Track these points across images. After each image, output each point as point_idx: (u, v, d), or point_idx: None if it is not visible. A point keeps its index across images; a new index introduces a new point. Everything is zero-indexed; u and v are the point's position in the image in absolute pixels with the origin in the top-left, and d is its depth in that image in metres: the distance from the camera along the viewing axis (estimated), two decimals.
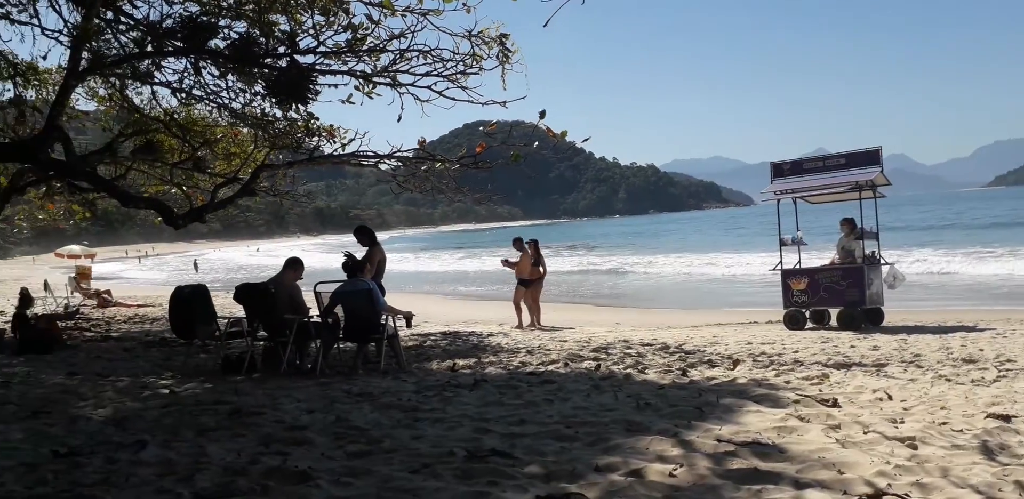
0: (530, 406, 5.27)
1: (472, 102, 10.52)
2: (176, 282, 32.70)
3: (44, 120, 10.99)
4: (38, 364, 8.43)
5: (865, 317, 11.28)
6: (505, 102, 10.65)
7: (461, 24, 10.44)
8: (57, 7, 11.18)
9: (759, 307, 15.50)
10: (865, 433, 4.16)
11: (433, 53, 9.81)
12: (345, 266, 7.96)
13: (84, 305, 18.57)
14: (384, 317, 7.75)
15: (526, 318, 13.34)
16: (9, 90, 11.88)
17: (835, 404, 5.08)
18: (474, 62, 10.43)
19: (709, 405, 5.10)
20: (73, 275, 21.13)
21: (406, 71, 10.27)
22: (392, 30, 10.11)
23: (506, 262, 14.18)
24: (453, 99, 10.61)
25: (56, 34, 11.19)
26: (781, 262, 12.31)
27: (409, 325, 9.12)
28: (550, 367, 7.81)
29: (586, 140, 12.49)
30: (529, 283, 13.43)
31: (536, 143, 11.73)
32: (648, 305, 19.29)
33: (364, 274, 7.96)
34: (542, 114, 10.01)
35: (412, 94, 10.63)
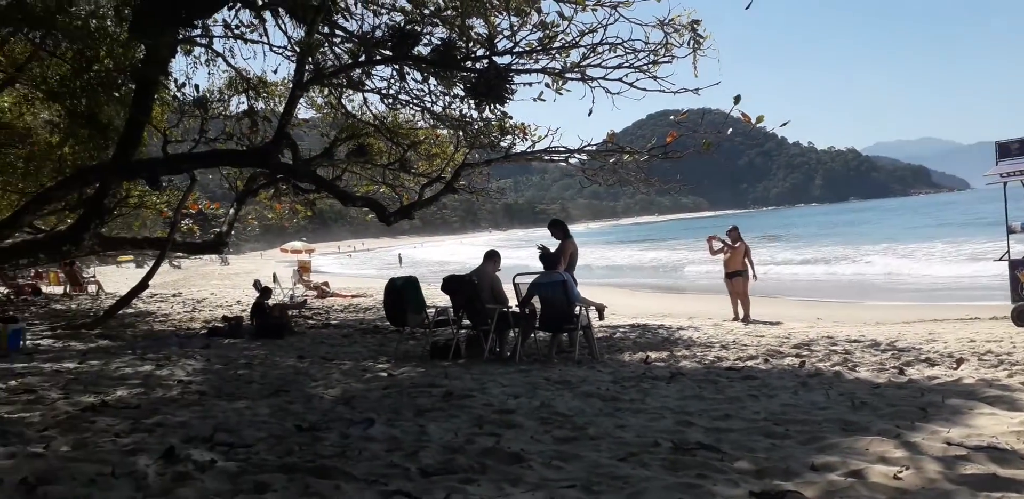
0: (733, 401, 5.17)
1: (664, 91, 10.42)
2: (383, 275, 35.22)
3: (273, 128, 12.32)
4: (273, 348, 9.51)
5: None
6: (698, 89, 10.43)
7: (652, 13, 10.34)
8: (283, 26, 12.47)
9: (981, 301, 14.03)
10: None
11: (625, 45, 9.82)
12: (543, 258, 8.22)
13: (306, 296, 20.55)
14: (578, 308, 7.91)
15: (738, 311, 12.94)
16: (243, 102, 13.39)
17: None
18: (665, 51, 10.33)
19: (933, 406, 4.73)
20: (296, 268, 23.42)
21: (597, 65, 10.35)
22: (582, 25, 10.25)
23: (717, 239, 13.59)
24: (644, 90, 10.55)
25: (282, 50, 12.50)
26: (1008, 252, 11.01)
27: (601, 316, 9.22)
28: (748, 363, 7.59)
29: (784, 124, 11.85)
30: (735, 275, 13.00)
31: (731, 130, 11.39)
32: (852, 299, 17.99)
33: (559, 266, 8.16)
34: (736, 99, 9.70)
35: (603, 87, 10.70)
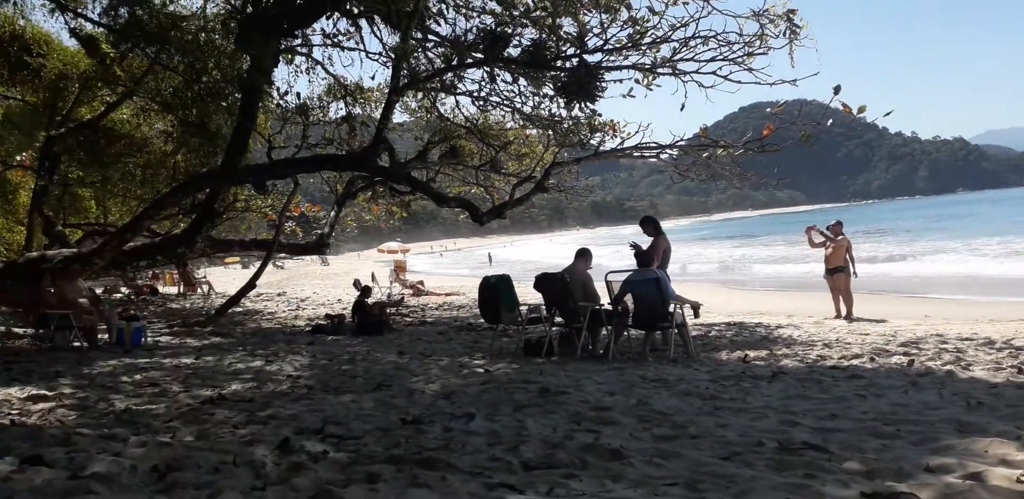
0: (839, 401, 5.01)
1: (760, 83, 10.17)
2: (474, 274, 35.69)
3: (370, 133, 12.70)
4: (373, 345, 9.83)
5: None
6: (795, 80, 10.15)
7: (746, 4, 10.09)
8: (378, 33, 12.84)
9: None
10: None
11: (719, 38, 9.63)
12: (637, 255, 8.17)
13: (402, 294, 21.10)
14: (672, 306, 7.82)
15: (841, 309, 12.45)
16: (341, 109, 13.85)
17: None
18: (761, 42, 10.07)
19: None
20: (392, 268, 24.08)
21: (690, 59, 10.20)
22: (673, 19, 10.12)
23: (816, 231, 13.04)
24: (739, 82, 10.33)
25: (377, 56, 12.89)
26: None
27: (697, 314, 9.09)
28: (853, 361, 7.32)
29: (888, 114, 11.37)
30: (837, 271, 12.50)
31: (830, 121, 11.00)
32: (961, 296, 16.95)
33: (653, 263, 8.09)
34: (836, 89, 9.38)
35: (696, 81, 10.53)
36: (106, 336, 9.37)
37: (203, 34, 12.74)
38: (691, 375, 6.47)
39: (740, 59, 10.14)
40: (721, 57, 10.12)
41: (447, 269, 50.42)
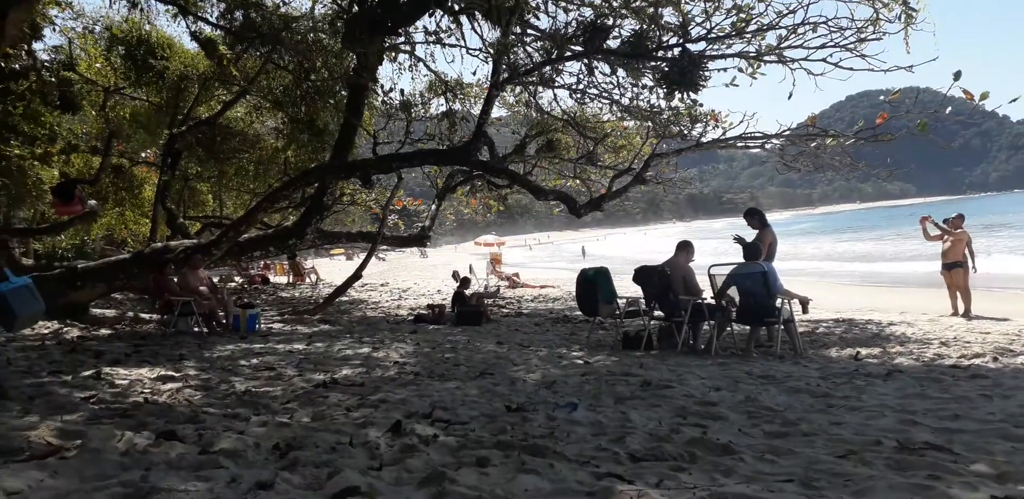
0: (962, 401, 4.75)
1: (873, 70, 9.73)
2: (568, 267, 35.64)
3: (470, 128, 12.89)
4: (473, 334, 10.01)
5: None
6: (911, 66, 9.62)
7: None
8: (478, 29, 12.99)
9: None
10: None
11: (829, 24, 9.25)
12: (744, 248, 7.97)
13: (498, 286, 21.34)
14: (780, 300, 7.59)
15: (958, 306, 11.76)
16: (442, 104, 14.11)
17: None
18: (874, 28, 9.63)
19: None
20: (489, 260, 24.39)
21: (798, 46, 9.85)
22: (780, 5, 9.81)
23: (931, 221, 12.30)
24: (851, 69, 9.92)
25: (477, 52, 13.04)
26: None
27: (805, 310, 8.78)
28: (975, 361, 6.90)
29: (1014, 101, 10.62)
30: (954, 266, 11.79)
31: (948, 109, 10.41)
32: None
33: (760, 256, 7.87)
34: (957, 75, 8.84)
35: (805, 69, 10.17)
36: (224, 322, 9.91)
37: (312, 34, 13.25)
38: (800, 372, 6.27)
39: (852, 45, 9.73)
40: (832, 43, 9.74)
41: (541, 262, 50.59)
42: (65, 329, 9.41)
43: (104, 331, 9.62)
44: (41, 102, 14.25)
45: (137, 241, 20.97)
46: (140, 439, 3.58)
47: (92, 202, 12.63)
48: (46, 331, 9.21)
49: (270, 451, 3.46)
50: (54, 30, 15.23)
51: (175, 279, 9.87)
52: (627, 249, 55.60)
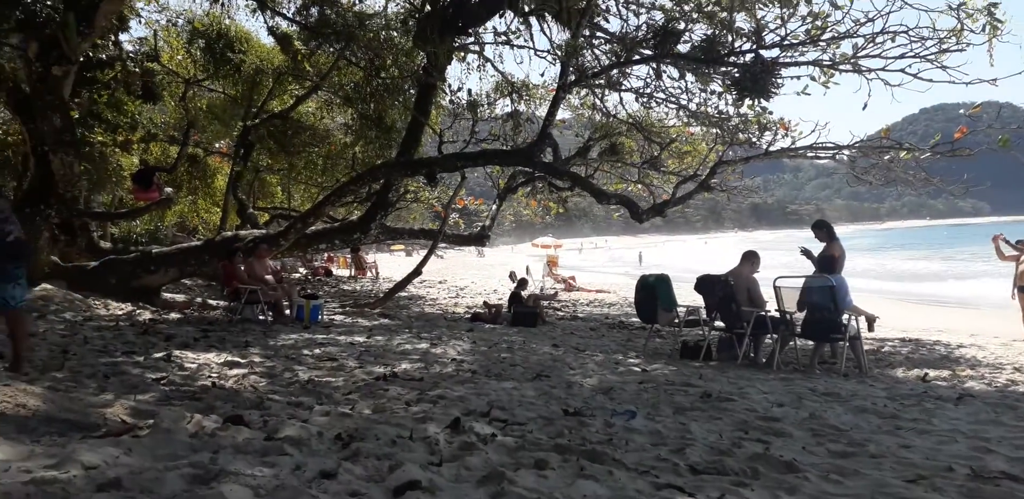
0: None
1: (954, 82, 9.41)
2: (623, 272, 35.37)
3: (534, 129, 12.92)
4: (528, 335, 10.03)
5: None
6: (995, 79, 9.28)
7: None
8: (547, 31, 13.02)
9: None
10: None
11: (911, 33, 8.97)
12: (815, 261, 7.79)
13: (555, 288, 21.33)
14: (847, 316, 7.39)
15: None
16: (507, 105, 14.18)
17: None
18: (957, 38, 9.31)
19: None
20: (545, 262, 24.40)
21: (876, 55, 9.58)
22: (858, 13, 9.57)
23: (1002, 239, 11.74)
24: (931, 81, 9.62)
25: (545, 54, 13.08)
26: None
27: (871, 328, 8.55)
28: None
29: None
30: None
31: None
32: None
33: (833, 270, 7.67)
34: None
35: (882, 79, 9.90)
36: (288, 311, 10.16)
37: (384, 32, 13.47)
38: (866, 391, 6.09)
39: (933, 56, 9.43)
40: (912, 54, 9.45)
41: (597, 266, 50.30)
42: (138, 311, 9.78)
43: (174, 315, 9.97)
44: (125, 91, 14.84)
45: (208, 229, 21.66)
46: (208, 422, 3.69)
47: (168, 190, 13.09)
48: (120, 312, 9.59)
49: (332, 441, 3.52)
50: (140, 22, 15.88)
51: (243, 267, 10.16)
52: (686, 257, 54.74)
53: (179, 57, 16.89)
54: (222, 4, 14.43)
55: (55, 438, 3.35)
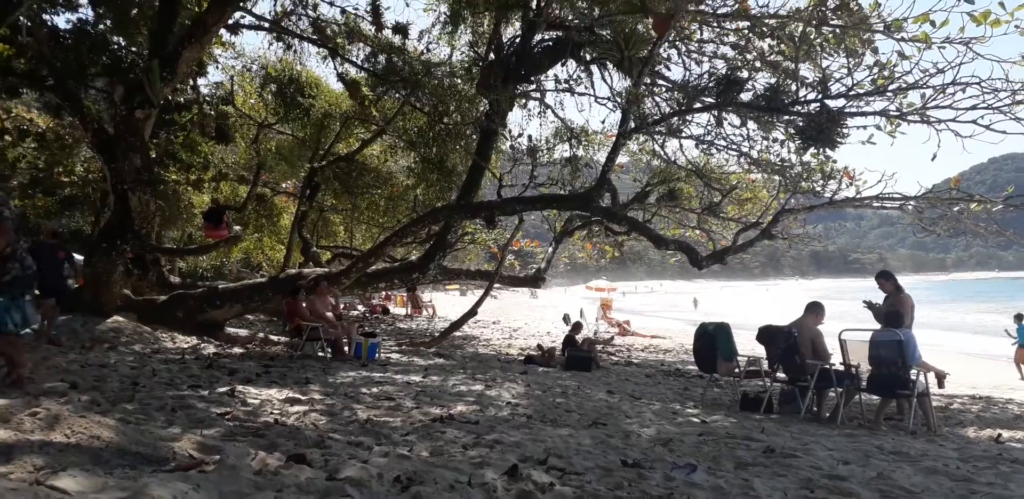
0: None
1: None
2: (679, 318, 34.84)
3: (592, 174, 13.03)
4: (583, 380, 9.94)
5: None
6: None
7: (1015, 49, 9.20)
8: (608, 79, 13.25)
9: None
10: None
11: (982, 84, 8.83)
12: (886, 314, 7.58)
13: (610, 333, 21.13)
14: (915, 372, 7.13)
15: None
16: (566, 150, 14.37)
17: None
18: None
19: None
20: (599, 305, 24.23)
21: (946, 106, 9.44)
22: (927, 64, 9.49)
23: None
24: (1004, 132, 9.39)
25: (606, 101, 13.27)
26: None
27: (941, 385, 8.22)
28: None
29: None
30: None
31: None
32: None
33: (902, 323, 7.45)
34: None
35: (952, 130, 9.72)
36: (347, 349, 10.32)
37: (448, 79, 13.92)
38: (936, 451, 5.84)
39: (1005, 107, 9.24)
40: (984, 105, 9.27)
41: (652, 311, 49.67)
42: (202, 345, 10.06)
43: (237, 349, 10.23)
44: (200, 133, 15.58)
45: (271, 266, 22.26)
46: (272, 460, 3.76)
47: (237, 227, 13.57)
48: (186, 345, 9.89)
49: (392, 483, 3.54)
50: (217, 67, 16.74)
51: (305, 304, 10.40)
52: (746, 305, 53.53)
53: (252, 101, 17.69)
54: (295, 51, 15.15)
55: (127, 471, 3.44)
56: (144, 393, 5.96)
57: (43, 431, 3.76)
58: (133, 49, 12.96)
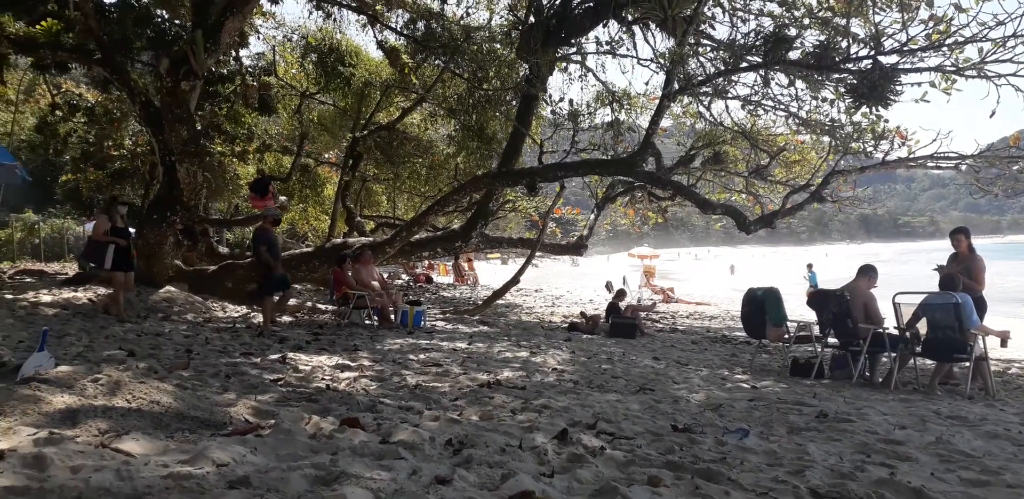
0: None
1: None
2: (725, 284, 34.44)
3: (634, 138, 12.80)
4: (627, 347, 9.91)
5: None
6: None
7: None
8: (651, 39, 12.89)
9: None
10: None
11: None
12: (946, 280, 7.35)
13: (652, 299, 21.01)
14: (973, 336, 6.92)
15: None
16: (608, 114, 14.12)
17: None
18: None
19: None
20: (642, 272, 24.08)
21: (1007, 60, 9.00)
22: (984, 18, 9.02)
23: None
24: None
25: (649, 62, 12.95)
26: None
27: (1004, 344, 7.94)
28: None
29: None
30: None
31: None
32: None
33: (958, 288, 7.20)
34: None
35: (1012, 85, 9.27)
36: (392, 317, 10.43)
37: (487, 44, 13.70)
38: (995, 415, 5.68)
39: None
40: None
41: (695, 276, 49.19)
42: (252, 314, 10.26)
43: (286, 318, 10.41)
44: (243, 104, 15.68)
45: (316, 236, 22.53)
46: (326, 424, 3.81)
47: (282, 198, 13.71)
48: (236, 315, 10.10)
49: (444, 446, 3.57)
50: (258, 38, 16.78)
51: (351, 273, 10.51)
52: (797, 271, 52.47)
53: (293, 71, 17.71)
54: (334, 19, 15.07)
55: (187, 434, 3.53)
56: (198, 360, 6.10)
57: (105, 396, 3.87)
58: (176, 22, 13.02)
